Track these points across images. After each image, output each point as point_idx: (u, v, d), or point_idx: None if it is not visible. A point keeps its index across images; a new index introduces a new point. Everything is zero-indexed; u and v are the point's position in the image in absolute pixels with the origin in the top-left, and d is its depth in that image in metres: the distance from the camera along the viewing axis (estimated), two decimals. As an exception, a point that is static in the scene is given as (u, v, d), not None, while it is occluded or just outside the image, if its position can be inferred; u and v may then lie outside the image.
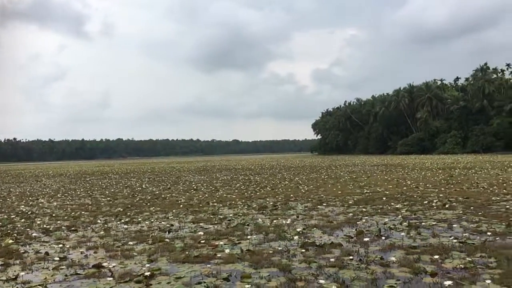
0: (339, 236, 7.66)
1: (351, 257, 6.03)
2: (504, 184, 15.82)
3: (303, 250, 6.58)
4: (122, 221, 10.29)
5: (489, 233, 7.35)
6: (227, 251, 6.61)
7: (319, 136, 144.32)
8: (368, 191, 15.12)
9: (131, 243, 7.62)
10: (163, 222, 9.84)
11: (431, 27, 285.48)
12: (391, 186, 16.56)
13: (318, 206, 11.66)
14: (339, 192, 15.12)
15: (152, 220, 10.19)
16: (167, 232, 8.61)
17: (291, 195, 14.53)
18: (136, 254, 6.81)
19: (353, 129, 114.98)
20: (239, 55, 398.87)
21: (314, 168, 35.85)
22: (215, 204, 12.95)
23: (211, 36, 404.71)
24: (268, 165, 47.18)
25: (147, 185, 22.16)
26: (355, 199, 12.91)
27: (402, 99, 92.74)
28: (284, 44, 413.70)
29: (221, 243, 7.29)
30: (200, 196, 15.46)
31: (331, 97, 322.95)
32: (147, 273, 5.52)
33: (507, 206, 10.36)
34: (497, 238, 7.01)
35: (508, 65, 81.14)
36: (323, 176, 24.08)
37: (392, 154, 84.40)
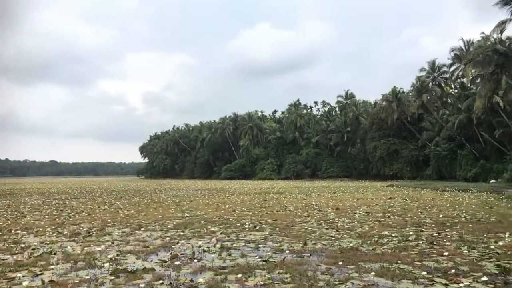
0: (153, 260, 7.63)
1: (161, 281, 6.08)
2: (307, 207, 17.97)
3: (113, 277, 6.36)
4: None
5: (287, 251, 8.28)
6: (25, 283, 5.97)
7: (146, 159, 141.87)
8: (188, 215, 15.43)
9: None
10: None
11: (257, 62, 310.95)
12: (211, 210, 17.22)
13: (136, 231, 11.42)
14: (160, 216, 15.07)
15: None
16: (-50, 266, 7.32)
17: (109, 220, 13.87)
18: None
19: (180, 153, 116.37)
20: (64, 70, 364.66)
21: (138, 192, 34.96)
22: (19, 232, 11.54)
23: (32, 46, 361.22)
24: (88, 188, 44.15)
25: None
26: (175, 223, 13.03)
27: (228, 127, 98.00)
28: (116, 64, 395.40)
29: (19, 275, 6.54)
30: (1, 223, 13.58)
31: (161, 121, 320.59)
32: None
33: (306, 227, 11.81)
34: (294, 256, 7.93)
35: (315, 102, 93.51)
36: (146, 200, 23.65)
37: (217, 179, 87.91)
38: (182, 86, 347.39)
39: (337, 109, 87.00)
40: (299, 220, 13.52)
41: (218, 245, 8.96)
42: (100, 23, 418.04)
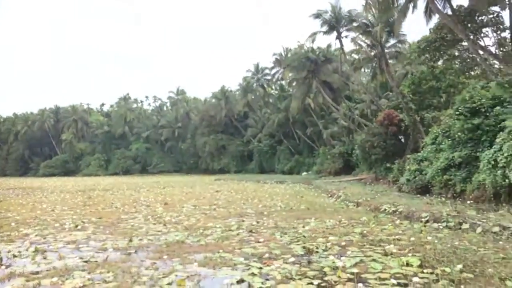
0: None
1: (-43, 295, 5.31)
2: (135, 203, 17.60)
3: None
4: None
5: (111, 250, 8.04)
6: None
7: None
8: (-4, 218, 13.62)
9: None
10: None
11: (85, 51, 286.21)
12: (24, 211, 15.49)
13: None
14: (-42, 221, 12.94)
15: None
16: None
17: None
18: None
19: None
20: None
21: None
22: None
23: None
24: None
25: None
26: (-23, 228, 11.36)
27: (48, 120, 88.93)
28: None
29: None
30: None
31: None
32: None
33: (133, 223, 11.60)
34: (118, 253, 7.74)
35: (146, 97, 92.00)
36: None
37: (34, 176, 79.18)
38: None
39: (168, 104, 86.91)
40: (126, 216, 13.19)
41: (32, 249, 8.18)
42: None
